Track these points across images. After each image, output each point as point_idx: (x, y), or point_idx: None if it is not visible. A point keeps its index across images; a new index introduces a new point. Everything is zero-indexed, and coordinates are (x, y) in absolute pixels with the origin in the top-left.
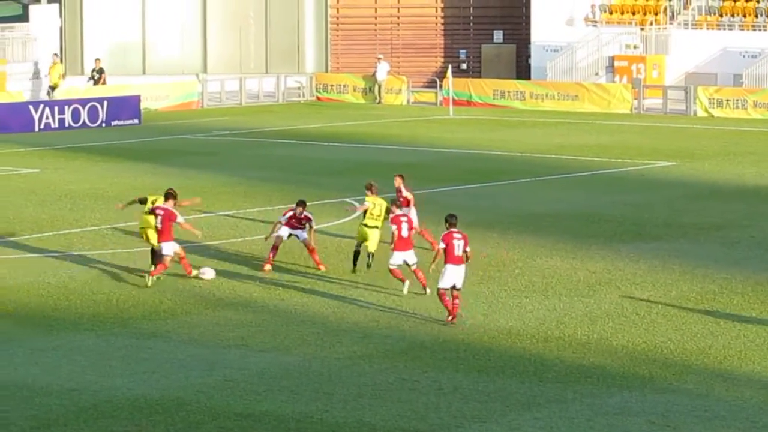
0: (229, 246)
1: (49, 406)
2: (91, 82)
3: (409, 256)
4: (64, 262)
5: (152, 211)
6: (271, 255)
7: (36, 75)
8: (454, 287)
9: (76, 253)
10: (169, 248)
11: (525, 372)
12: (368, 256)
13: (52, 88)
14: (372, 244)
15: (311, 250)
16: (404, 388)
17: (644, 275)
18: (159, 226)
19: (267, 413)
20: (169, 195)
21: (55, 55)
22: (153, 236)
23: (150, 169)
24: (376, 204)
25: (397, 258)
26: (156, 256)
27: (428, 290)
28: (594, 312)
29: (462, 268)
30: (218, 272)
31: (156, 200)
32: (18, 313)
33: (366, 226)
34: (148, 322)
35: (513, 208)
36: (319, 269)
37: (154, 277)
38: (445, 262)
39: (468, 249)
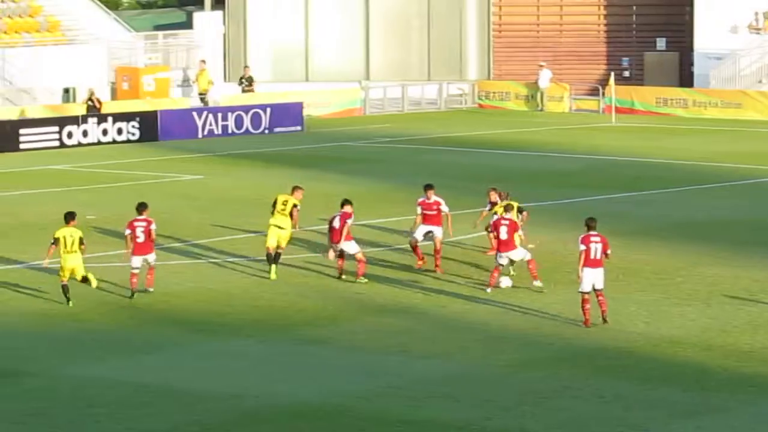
0: (389, 252)
1: (211, 412)
2: (240, 88)
3: (514, 255)
4: (226, 268)
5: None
6: (418, 253)
7: (186, 82)
8: (594, 289)
9: (238, 259)
10: (353, 247)
11: (687, 380)
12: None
13: (201, 95)
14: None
15: (436, 251)
16: (566, 395)
17: None
18: (336, 226)
19: (428, 420)
20: (347, 202)
21: (203, 61)
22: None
23: (313, 176)
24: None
25: (501, 258)
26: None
27: (537, 282)
28: (757, 321)
29: (600, 271)
30: (379, 279)
31: (287, 200)
32: (182, 318)
33: None
34: (310, 328)
35: (676, 216)
36: (436, 271)
37: (363, 278)
38: (583, 266)
39: (609, 251)
